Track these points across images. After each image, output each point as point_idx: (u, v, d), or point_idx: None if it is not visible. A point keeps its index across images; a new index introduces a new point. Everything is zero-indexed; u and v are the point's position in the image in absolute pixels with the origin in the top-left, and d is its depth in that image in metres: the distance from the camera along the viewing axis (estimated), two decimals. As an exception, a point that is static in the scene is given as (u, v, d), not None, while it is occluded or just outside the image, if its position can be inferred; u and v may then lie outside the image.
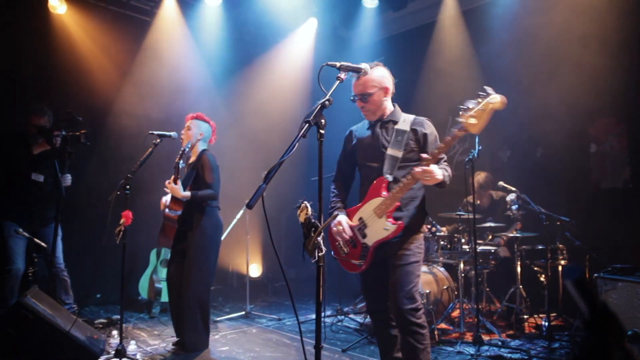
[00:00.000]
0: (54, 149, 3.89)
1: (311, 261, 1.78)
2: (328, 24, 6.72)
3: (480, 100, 2.15)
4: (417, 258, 2.52)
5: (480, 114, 2.13)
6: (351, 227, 2.57)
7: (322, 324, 1.88)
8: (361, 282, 2.74)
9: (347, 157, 2.83)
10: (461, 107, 2.19)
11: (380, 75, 2.61)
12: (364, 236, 2.54)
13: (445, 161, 2.52)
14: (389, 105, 2.67)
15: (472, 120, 2.15)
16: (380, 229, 2.47)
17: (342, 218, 2.59)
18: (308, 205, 1.84)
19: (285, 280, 1.88)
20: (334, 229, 2.59)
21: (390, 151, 2.54)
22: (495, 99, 2.12)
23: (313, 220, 1.80)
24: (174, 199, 3.63)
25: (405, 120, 2.60)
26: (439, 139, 2.57)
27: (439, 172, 2.32)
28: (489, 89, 2.15)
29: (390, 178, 2.51)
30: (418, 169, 2.29)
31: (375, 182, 2.55)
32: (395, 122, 2.60)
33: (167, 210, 3.65)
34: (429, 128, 2.59)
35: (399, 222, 2.45)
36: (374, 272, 2.59)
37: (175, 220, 3.65)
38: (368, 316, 4.40)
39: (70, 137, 3.75)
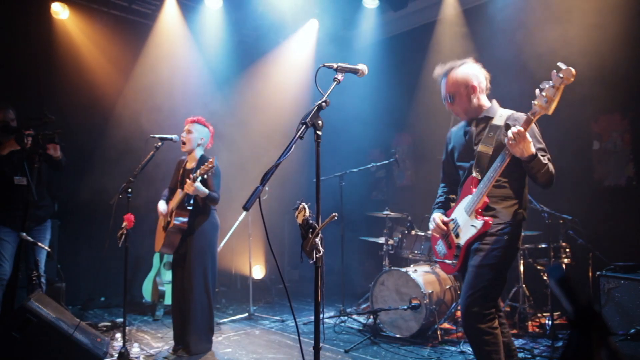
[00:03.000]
0: (24, 150, 3.54)
1: (309, 262, 1.78)
2: (329, 25, 6.74)
3: (552, 79, 2.08)
4: (490, 260, 2.33)
5: (551, 92, 2.07)
6: (446, 224, 2.55)
7: (323, 325, 1.88)
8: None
9: (448, 158, 2.76)
10: (538, 88, 2.13)
11: (465, 74, 2.52)
12: (457, 236, 2.49)
13: (548, 158, 2.32)
14: (483, 103, 2.54)
15: (543, 101, 2.10)
16: (469, 227, 2.41)
17: (435, 214, 2.62)
18: (306, 206, 1.85)
19: (283, 282, 1.89)
20: (430, 226, 2.63)
21: (481, 148, 2.42)
22: (564, 73, 2.02)
23: (311, 222, 1.80)
24: (180, 207, 3.63)
25: (501, 116, 2.45)
26: (538, 136, 2.42)
27: (533, 146, 2.18)
28: (562, 65, 2.04)
29: (479, 176, 2.41)
30: (512, 129, 2.15)
31: (466, 181, 2.49)
32: (491, 119, 2.46)
33: (175, 221, 3.61)
34: None
35: (486, 218, 2.36)
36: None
37: (184, 228, 3.64)
38: (371, 317, 4.40)
39: (41, 138, 3.52)
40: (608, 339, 0.60)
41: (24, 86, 5.00)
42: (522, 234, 4.23)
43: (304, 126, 1.85)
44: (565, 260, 4.28)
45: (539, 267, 4.54)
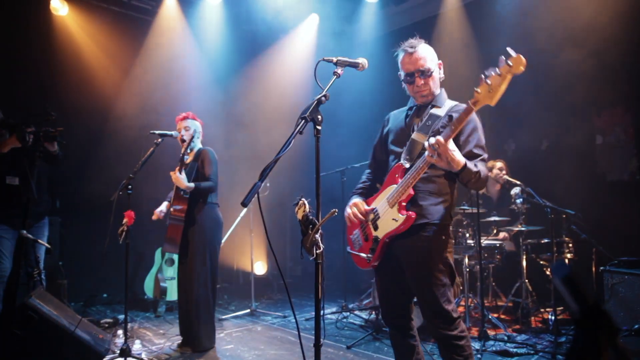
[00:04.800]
0: (25, 148, 3.40)
1: (310, 259, 1.77)
2: (330, 20, 6.69)
3: (499, 65, 1.81)
4: (437, 268, 2.17)
5: (496, 81, 1.81)
6: (365, 213, 2.32)
7: (324, 321, 1.86)
8: (377, 284, 2.48)
9: (381, 141, 2.55)
10: (483, 74, 1.86)
11: (434, 52, 2.37)
12: (376, 228, 2.27)
13: (483, 160, 2.16)
14: (436, 89, 2.38)
15: (484, 90, 1.84)
16: (389, 220, 2.21)
17: (356, 199, 2.40)
18: (306, 202, 1.82)
19: (282, 278, 1.87)
20: (347, 211, 2.38)
21: (415, 135, 2.22)
22: (513, 62, 1.78)
23: (311, 217, 1.78)
24: (176, 195, 3.62)
25: (446, 106, 2.27)
26: (480, 131, 2.22)
27: (459, 155, 1.99)
28: (512, 51, 1.79)
29: (407, 165, 2.21)
30: (430, 141, 1.95)
31: (392, 169, 2.29)
32: (436, 107, 2.27)
33: (172, 208, 3.65)
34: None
35: (410, 213, 2.15)
36: (390, 274, 2.33)
37: (182, 218, 3.64)
38: (373, 312, 4.39)
39: (43, 135, 3.41)
40: (615, 338, 0.58)
41: (23, 83, 4.98)
42: (525, 229, 4.27)
43: (303, 121, 1.82)
44: (568, 256, 4.25)
45: (541, 263, 4.52)
